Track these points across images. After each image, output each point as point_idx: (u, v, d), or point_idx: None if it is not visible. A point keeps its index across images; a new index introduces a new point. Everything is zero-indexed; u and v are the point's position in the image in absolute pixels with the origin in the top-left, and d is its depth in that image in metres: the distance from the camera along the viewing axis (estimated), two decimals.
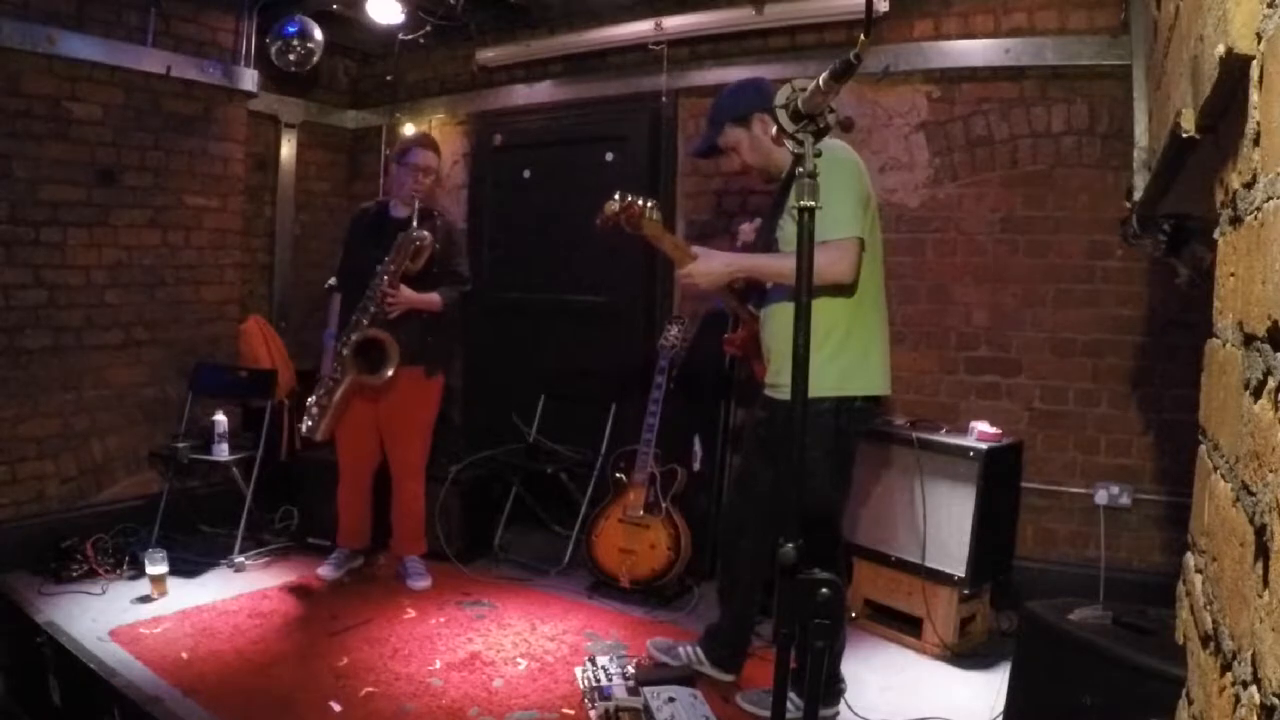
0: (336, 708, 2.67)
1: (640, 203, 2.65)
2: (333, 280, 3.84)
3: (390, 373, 3.44)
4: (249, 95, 4.62)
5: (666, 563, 3.59)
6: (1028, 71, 3.55)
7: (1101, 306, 3.45)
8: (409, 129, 5.25)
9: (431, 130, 5.23)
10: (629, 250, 4.39)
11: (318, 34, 4.65)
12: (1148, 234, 2.32)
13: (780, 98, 1.60)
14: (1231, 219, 1.03)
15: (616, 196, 2.67)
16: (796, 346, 1.55)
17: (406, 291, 3.46)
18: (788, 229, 2.54)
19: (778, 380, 2.66)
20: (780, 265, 2.52)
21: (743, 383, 3.93)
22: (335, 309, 3.75)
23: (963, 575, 3.12)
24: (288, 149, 5.13)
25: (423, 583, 3.71)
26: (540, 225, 4.74)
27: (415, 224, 3.46)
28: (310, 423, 3.52)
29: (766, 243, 2.70)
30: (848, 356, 2.53)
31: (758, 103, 2.62)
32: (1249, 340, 0.88)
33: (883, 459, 3.41)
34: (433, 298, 3.55)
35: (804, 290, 1.57)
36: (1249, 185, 0.91)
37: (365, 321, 3.44)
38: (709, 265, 2.62)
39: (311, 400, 3.56)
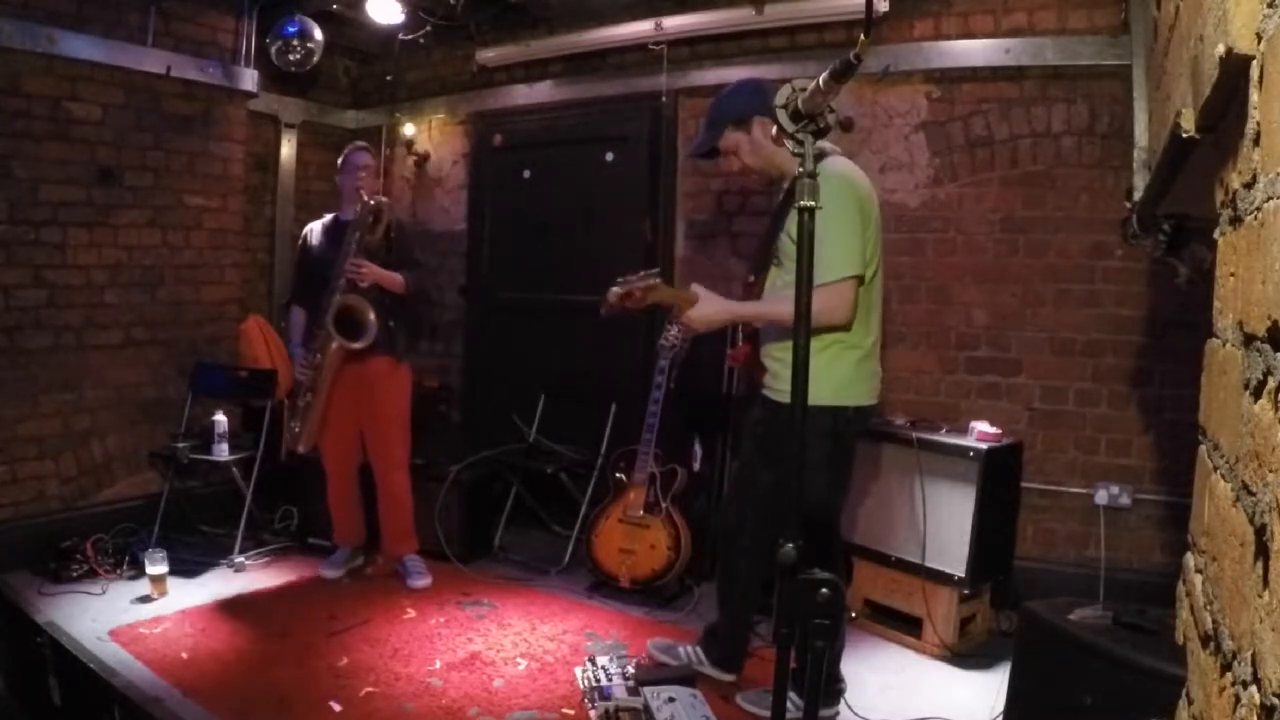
0: (336, 708, 2.67)
1: (641, 285, 2.61)
2: (288, 298, 3.88)
3: (372, 320, 3.52)
4: (249, 95, 4.62)
5: (666, 563, 3.59)
6: (1028, 71, 3.55)
7: (1101, 306, 3.45)
8: (409, 129, 5.27)
9: (431, 130, 5.24)
10: (629, 250, 4.40)
11: (318, 34, 4.65)
12: (1148, 234, 2.32)
13: (780, 98, 1.60)
14: (1231, 219, 1.03)
15: (618, 284, 2.62)
16: (797, 349, 1.55)
17: (373, 267, 3.54)
18: (788, 246, 2.54)
19: (774, 382, 2.66)
20: (775, 311, 2.55)
21: (743, 383, 3.92)
22: (298, 322, 3.80)
23: (963, 575, 3.12)
24: (288, 149, 5.13)
25: (422, 582, 3.71)
26: (540, 225, 4.74)
27: (365, 199, 3.58)
28: (290, 435, 3.65)
29: (766, 258, 2.70)
30: (841, 368, 2.53)
31: (757, 105, 2.61)
32: (1249, 340, 0.88)
33: (882, 459, 3.41)
34: (396, 276, 3.62)
35: (804, 288, 1.57)
36: (1249, 185, 0.91)
37: (336, 298, 3.51)
38: (705, 312, 2.60)
39: (293, 422, 3.65)
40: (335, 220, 3.79)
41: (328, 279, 3.57)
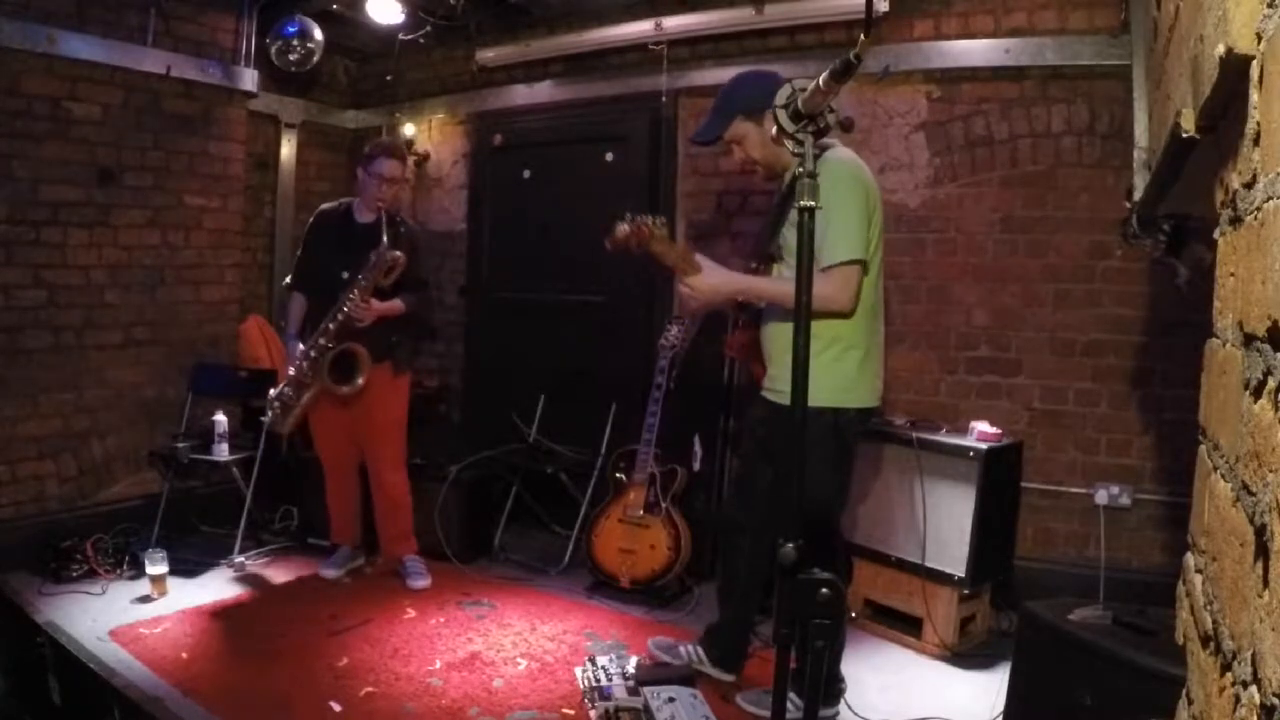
0: (336, 708, 2.67)
1: (650, 221, 2.58)
2: (288, 279, 3.83)
3: (361, 382, 3.48)
4: (249, 95, 4.62)
5: (666, 563, 3.59)
6: (1028, 71, 3.54)
7: (1101, 306, 3.45)
8: (409, 129, 5.26)
9: (431, 130, 5.24)
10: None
11: (318, 34, 4.65)
12: (1148, 234, 2.32)
13: (780, 98, 1.60)
14: (1231, 219, 1.03)
15: (627, 217, 2.59)
16: (797, 346, 1.55)
17: (375, 304, 3.49)
18: (790, 239, 2.53)
19: (774, 384, 2.66)
20: (780, 289, 2.52)
21: (742, 383, 3.93)
22: (296, 311, 3.72)
23: (963, 575, 3.12)
24: (288, 149, 5.13)
25: (422, 582, 3.71)
26: (540, 225, 4.74)
27: (385, 236, 3.43)
28: (273, 415, 3.55)
29: (768, 251, 2.69)
30: (843, 369, 2.53)
31: (771, 98, 2.58)
32: (1249, 340, 0.88)
33: (882, 459, 3.41)
34: (396, 305, 3.58)
35: (804, 288, 1.57)
36: (1249, 185, 0.91)
37: (333, 329, 3.45)
38: (710, 281, 2.58)
39: (274, 394, 3.56)
40: (349, 217, 3.67)
41: (328, 282, 3.51)
